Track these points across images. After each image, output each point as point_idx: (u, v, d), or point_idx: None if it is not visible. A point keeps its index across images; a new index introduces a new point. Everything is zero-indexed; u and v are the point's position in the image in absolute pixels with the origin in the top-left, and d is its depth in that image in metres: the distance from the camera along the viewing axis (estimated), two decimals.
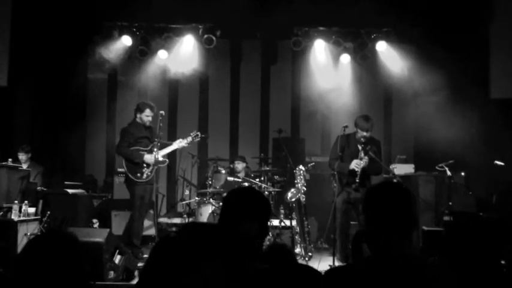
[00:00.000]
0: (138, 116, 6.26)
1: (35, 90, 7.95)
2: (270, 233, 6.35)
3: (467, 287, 1.79)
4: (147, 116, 6.21)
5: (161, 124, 6.13)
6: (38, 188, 6.80)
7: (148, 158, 6.12)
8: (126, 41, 8.13)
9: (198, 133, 6.40)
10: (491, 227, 4.75)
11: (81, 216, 6.68)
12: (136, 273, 5.12)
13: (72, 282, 1.93)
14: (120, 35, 8.12)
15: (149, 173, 6.10)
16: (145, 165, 6.10)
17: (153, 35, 8.25)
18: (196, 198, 7.40)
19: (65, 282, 1.91)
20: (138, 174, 6.11)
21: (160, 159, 6.21)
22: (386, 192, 1.91)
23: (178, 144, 6.30)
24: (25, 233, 5.59)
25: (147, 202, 6.28)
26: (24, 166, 7.25)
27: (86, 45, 8.16)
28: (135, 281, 4.89)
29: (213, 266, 2.03)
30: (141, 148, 6.19)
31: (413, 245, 1.96)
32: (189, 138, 6.31)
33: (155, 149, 6.14)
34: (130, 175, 6.12)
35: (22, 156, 7.35)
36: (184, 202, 8.05)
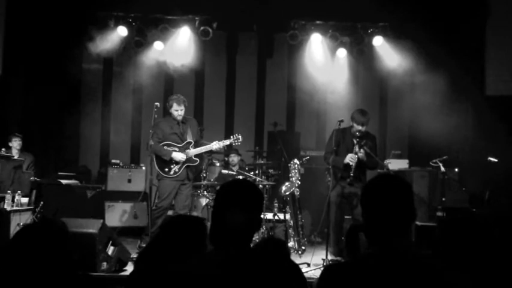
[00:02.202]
0: (169, 111, 6.09)
1: (29, 80, 7.90)
2: (263, 227, 6.36)
3: (463, 283, 1.79)
4: (176, 110, 6.01)
5: (156, 116, 6.09)
6: (32, 178, 6.77)
7: (176, 155, 5.92)
8: (122, 31, 8.07)
9: (240, 137, 6.13)
10: (484, 223, 4.78)
11: (74, 207, 6.67)
12: (129, 264, 5.12)
13: (59, 271, 1.93)
14: (116, 25, 8.05)
15: (177, 170, 5.93)
16: (174, 161, 5.95)
17: (149, 26, 8.19)
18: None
19: (52, 270, 1.91)
20: (166, 169, 5.95)
21: (193, 158, 6.03)
22: (384, 185, 1.88)
23: (215, 145, 6.03)
24: (18, 223, 5.58)
25: (172, 198, 6.02)
26: (15, 155, 7.17)
27: (81, 35, 8.09)
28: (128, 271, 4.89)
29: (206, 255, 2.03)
30: (172, 143, 5.99)
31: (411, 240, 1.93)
32: (227, 141, 6.07)
33: (190, 147, 6.00)
34: (158, 169, 5.96)
35: (15, 144, 7.21)
36: None
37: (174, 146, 6.02)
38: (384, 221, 1.80)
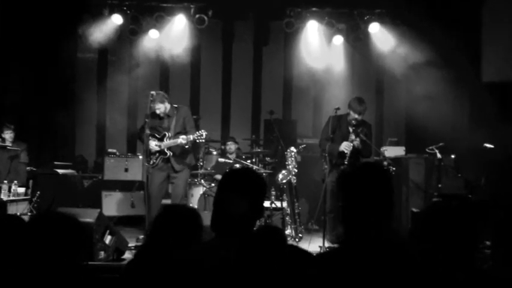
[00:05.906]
0: None
1: (23, 70, 7.84)
2: None
3: (449, 270, 1.79)
4: (156, 109, 6.06)
5: (152, 105, 6.06)
6: (28, 168, 6.76)
7: (151, 143, 6.01)
8: (117, 19, 8.01)
9: (204, 133, 5.93)
10: (479, 209, 4.80)
11: (71, 197, 6.67)
12: (127, 253, 5.14)
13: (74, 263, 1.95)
14: (110, 13, 7.99)
15: (155, 160, 6.06)
16: (153, 152, 6.05)
17: (144, 14, 8.13)
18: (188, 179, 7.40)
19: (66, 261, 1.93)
20: (148, 159, 6.10)
21: (164, 150, 6.07)
22: (357, 173, 1.89)
23: (179, 140, 5.95)
24: (14, 213, 5.57)
25: (159, 188, 6.12)
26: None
27: (75, 24, 8.02)
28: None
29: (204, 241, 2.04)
30: (154, 134, 6.11)
31: (392, 226, 1.90)
32: (191, 137, 5.92)
33: (165, 139, 6.06)
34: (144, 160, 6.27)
35: (7, 136, 7.11)
36: None
37: (155, 137, 6.12)
38: (354, 208, 1.80)
